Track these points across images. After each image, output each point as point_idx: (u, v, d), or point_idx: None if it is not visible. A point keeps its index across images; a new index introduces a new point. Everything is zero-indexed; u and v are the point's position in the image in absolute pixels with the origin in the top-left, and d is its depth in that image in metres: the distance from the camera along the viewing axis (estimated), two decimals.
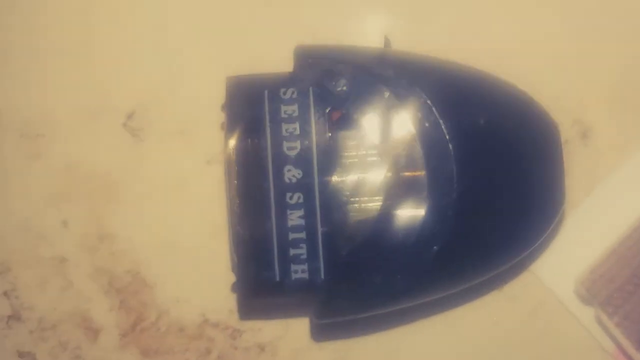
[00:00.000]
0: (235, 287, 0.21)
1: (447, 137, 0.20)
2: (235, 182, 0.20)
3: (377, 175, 0.21)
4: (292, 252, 0.20)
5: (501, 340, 0.24)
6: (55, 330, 0.24)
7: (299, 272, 0.20)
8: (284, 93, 0.21)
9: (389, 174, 0.20)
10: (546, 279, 0.23)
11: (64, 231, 0.24)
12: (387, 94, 0.20)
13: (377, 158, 0.21)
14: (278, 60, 0.22)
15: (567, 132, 0.24)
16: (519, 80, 0.22)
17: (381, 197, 0.21)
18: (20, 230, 0.25)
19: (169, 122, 0.25)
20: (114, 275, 0.24)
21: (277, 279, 0.20)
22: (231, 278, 0.22)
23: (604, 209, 0.23)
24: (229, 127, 0.21)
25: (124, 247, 0.24)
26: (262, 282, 0.20)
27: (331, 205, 0.20)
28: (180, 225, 0.24)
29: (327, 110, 0.20)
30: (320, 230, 0.20)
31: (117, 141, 0.25)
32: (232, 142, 0.21)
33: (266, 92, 0.21)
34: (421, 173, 0.20)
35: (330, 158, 0.20)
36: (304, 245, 0.20)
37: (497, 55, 0.23)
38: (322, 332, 0.24)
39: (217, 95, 0.22)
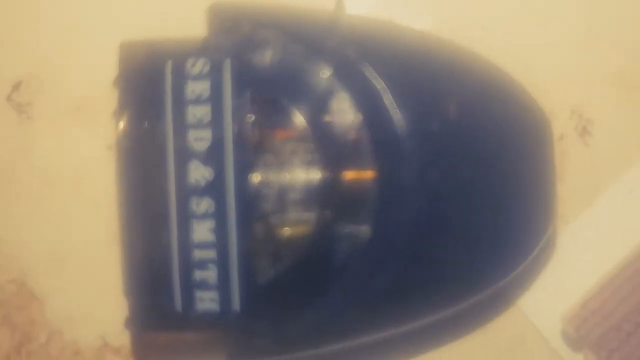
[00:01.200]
0: (128, 322, 0.17)
1: (405, 130, 0.16)
2: (125, 179, 0.17)
3: (311, 177, 0.17)
4: (198, 275, 0.17)
5: None
6: None
7: (207, 301, 0.17)
8: (193, 65, 0.17)
9: (328, 176, 0.17)
10: (531, 314, 0.21)
11: None
12: (327, 72, 0.16)
13: (312, 155, 0.17)
14: (187, 23, 0.18)
15: (563, 126, 0.21)
16: (506, 62, 0.19)
17: (316, 206, 0.17)
18: None
19: (63, 96, 0.22)
20: None
21: (179, 309, 0.17)
22: None
23: (602, 229, 0.21)
24: (121, 108, 0.17)
25: (6, 252, 0.22)
26: (160, 313, 0.17)
27: (251, 216, 0.17)
28: (77, 226, 0.22)
29: (249, 91, 0.16)
30: (235, 247, 0.17)
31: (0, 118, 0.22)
32: (123, 127, 0.17)
33: (170, 62, 0.17)
34: (369, 176, 0.16)
35: (250, 154, 0.17)
36: (213, 267, 0.17)
37: (481, 30, 0.21)
38: None
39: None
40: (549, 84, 0.21)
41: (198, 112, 0.17)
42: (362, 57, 0.16)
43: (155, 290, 0.17)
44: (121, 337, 0.21)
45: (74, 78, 0.22)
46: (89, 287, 0.22)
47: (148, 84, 0.17)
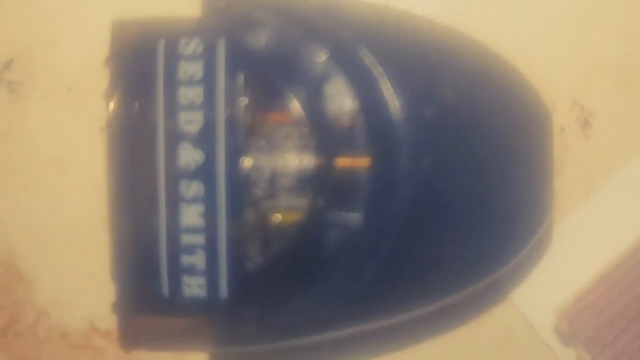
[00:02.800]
0: (116, 307, 0.17)
1: (401, 116, 0.16)
2: (115, 161, 0.17)
3: (304, 163, 0.17)
4: (186, 260, 0.17)
5: None
6: None
7: (195, 287, 0.17)
8: (186, 45, 0.17)
9: (321, 162, 0.16)
10: (523, 307, 0.21)
11: None
12: (323, 56, 0.16)
13: (306, 140, 0.16)
14: (180, 2, 0.18)
15: (564, 118, 0.21)
16: (508, 52, 0.19)
17: (308, 193, 0.16)
18: None
19: (55, 76, 0.21)
20: None
21: (166, 294, 0.17)
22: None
23: (599, 224, 0.20)
24: (112, 87, 0.17)
25: None
26: (147, 298, 0.17)
27: (241, 200, 0.16)
28: (66, 208, 0.21)
29: (243, 73, 0.16)
30: (225, 233, 0.16)
31: None
32: (113, 108, 0.16)
33: (162, 42, 0.17)
34: (363, 163, 0.16)
35: (242, 137, 0.16)
36: (202, 252, 0.17)
37: (483, 19, 0.21)
38: None
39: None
40: (551, 75, 0.21)
41: (190, 94, 0.16)
42: (360, 42, 0.16)
43: (143, 275, 0.17)
44: (109, 321, 0.21)
45: (66, 57, 0.22)
46: (78, 270, 0.21)
47: (139, 64, 0.16)
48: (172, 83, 0.16)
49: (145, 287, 0.17)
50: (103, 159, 0.20)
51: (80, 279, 0.21)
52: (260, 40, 0.16)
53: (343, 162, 0.16)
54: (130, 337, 0.17)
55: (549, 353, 0.21)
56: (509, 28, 0.21)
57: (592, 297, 0.19)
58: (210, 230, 0.16)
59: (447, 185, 0.16)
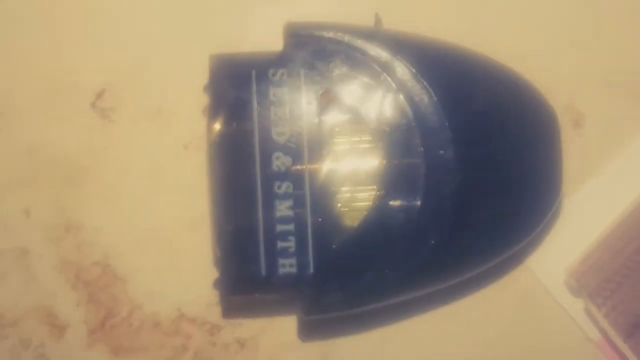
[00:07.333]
0: (218, 284, 0.20)
1: (446, 123, 0.19)
2: (219, 169, 0.20)
3: (371, 163, 0.20)
4: (280, 245, 0.20)
5: (490, 332, 0.23)
6: (16, 327, 0.23)
7: (287, 266, 0.20)
8: (273, 74, 0.20)
9: (384, 162, 0.20)
10: (537, 271, 0.23)
11: (26, 220, 0.23)
12: (382, 77, 0.20)
13: (371, 145, 0.20)
14: (265, 38, 0.21)
15: (559, 120, 0.23)
16: (511, 64, 0.22)
17: (375, 187, 0.20)
18: None
19: (143, 102, 0.23)
20: (81, 268, 0.23)
21: (263, 273, 0.20)
22: (208, 269, 0.22)
23: (598, 201, 0.23)
24: (213, 110, 0.20)
25: (92, 238, 0.23)
26: (247, 278, 0.20)
27: (322, 195, 0.20)
28: (154, 215, 0.23)
29: (319, 94, 0.20)
30: (310, 221, 0.19)
31: (85, 122, 0.23)
32: (216, 126, 0.20)
33: (253, 72, 0.20)
34: (418, 161, 0.20)
35: (321, 144, 0.20)
36: (292, 238, 0.20)
37: (488, 36, 0.23)
38: (307, 328, 0.23)
39: (195, 73, 0.21)
40: (549, 83, 0.22)
41: (279, 112, 0.20)
42: (411, 64, 0.19)
43: (244, 260, 0.20)
44: (195, 308, 0.23)
45: (153, 85, 0.23)
46: (166, 267, 0.23)
47: (236, 90, 0.19)
48: (264, 104, 0.19)
49: (245, 269, 0.20)
50: (187, 172, 0.23)
51: (169, 274, 0.23)
52: (333, 66, 0.20)
53: (402, 161, 0.20)
54: (231, 310, 0.21)
55: (558, 309, 0.23)
56: (513, 45, 0.23)
57: (594, 257, 0.22)
58: (298, 219, 0.19)
59: (483, 176, 0.20)
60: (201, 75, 0.21)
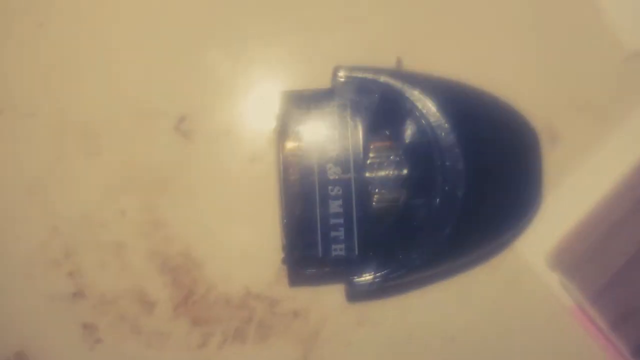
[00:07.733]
0: (285, 260, 0.24)
1: (457, 143, 0.24)
2: (288, 177, 0.24)
3: (400, 173, 0.24)
4: (333, 234, 0.24)
5: (484, 302, 0.27)
6: (115, 305, 0.26)
7: (338, 250, 0.24)
8: (327, 106, 0.24)
9: (410, 172, 0.24)
10: (524, 253, 0.26)
11: (122, 220, 0.26)
12: (410, 108, 0.24)
13: (400, 159, 0.24)
14: (314, 77, 0.24)
15: (539, 137, 0.26)
16: (501, 94, 0.25)
17: (404, 190, 0.24)
18: (83, 219, 0.27)
19: (216, 124, 0.26)
20: (167, 257, 0.26)
21: (320, 255, 0.24)
22: (269, 256, 0.26)
23: (572, 198, 0.26)
24: (283, 133, 0.24)
25: (176, 233, 0.26)
26: (308, 258, 0.24)
27: (363, 196, 0.24)
28: (225, 214, 0.27)
29: (361, 121, 0.24)
30: (355, 216, 0.24)
31: (169, 141, 0.26)
32: (287, 145, 0.24)
33: (312, 104, 0.24)
34: (436, 171, 0.24)
35: (362, 158, 0.24)
36: (341, 229, 0.24)
37: (479, 70, 0.26)
38: (350, 298, 0.26)
39: (259, 102, 0.26)
40: (531, 108, 0.25)
41: (331, 134, 0.24)
42: (431, 98, 0.24)
43: (306, 244, 0.24)
44: (258, 287, 0.27)
45: (224, 113, 0.26)
46: (235, 255, 0.27)
47: (300, 117, 0.24)
48: (320, 128, 0.24)
49: (307, 252, 0.24)
50: (253, 181, 0.26)
51: (237, 261, 0.27)
52: (372, 100, 0.24)
53: (424, 171, 0.24)
54: (295, 281, 0.25)
55: (538, 282, 0.26)
56: (501, 77, 0.26)
57: (570, 241, 0.25)
58: (346, 215, 0.23)
59: (483, 183, 0.24)
60: (262, 105, 0.25)
